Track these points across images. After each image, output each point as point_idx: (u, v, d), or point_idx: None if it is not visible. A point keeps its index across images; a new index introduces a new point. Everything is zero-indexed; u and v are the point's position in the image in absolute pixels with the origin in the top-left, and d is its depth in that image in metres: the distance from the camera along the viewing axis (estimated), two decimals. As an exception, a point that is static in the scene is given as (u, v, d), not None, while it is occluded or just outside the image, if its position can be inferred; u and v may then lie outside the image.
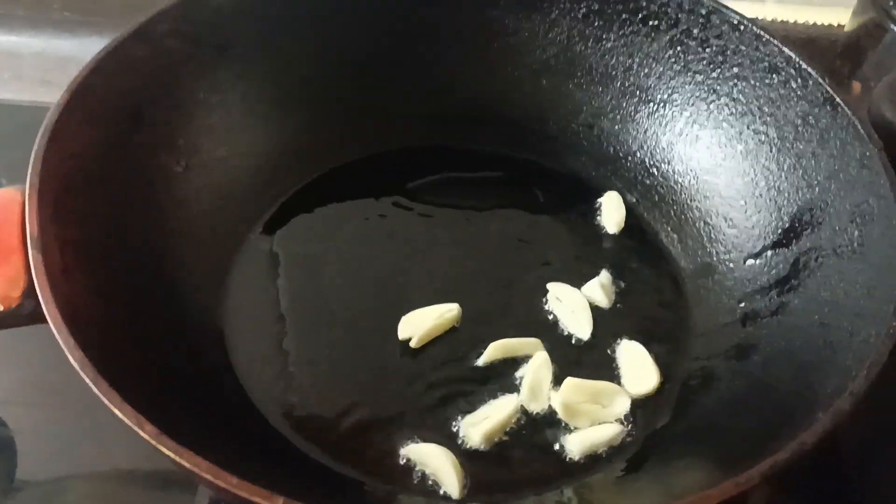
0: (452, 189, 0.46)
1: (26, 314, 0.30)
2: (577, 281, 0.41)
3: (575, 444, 0.35)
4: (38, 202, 0.31)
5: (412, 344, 0.39)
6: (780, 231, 0.39)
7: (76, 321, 0.29)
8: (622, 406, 0.36)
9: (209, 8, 0.41)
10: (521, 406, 0.37)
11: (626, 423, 0.36)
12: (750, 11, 0.59)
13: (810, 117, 0.38)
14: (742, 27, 0.41)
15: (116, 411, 0.26)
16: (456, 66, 0.46)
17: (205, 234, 0.41)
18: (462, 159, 0.47)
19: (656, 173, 0.45)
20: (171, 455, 0.26)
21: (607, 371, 0.38)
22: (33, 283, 0.29)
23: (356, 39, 0.45)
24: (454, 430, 0.36)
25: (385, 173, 0.46)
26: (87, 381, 0.27)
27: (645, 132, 0.45)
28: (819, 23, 0.59)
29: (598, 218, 0.44)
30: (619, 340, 0.39)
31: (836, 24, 0.59)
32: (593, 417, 0.36)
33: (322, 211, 0.44)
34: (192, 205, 0.41)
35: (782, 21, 0.59)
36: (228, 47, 0.42)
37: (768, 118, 0.40)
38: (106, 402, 0.26)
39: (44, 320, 0.29)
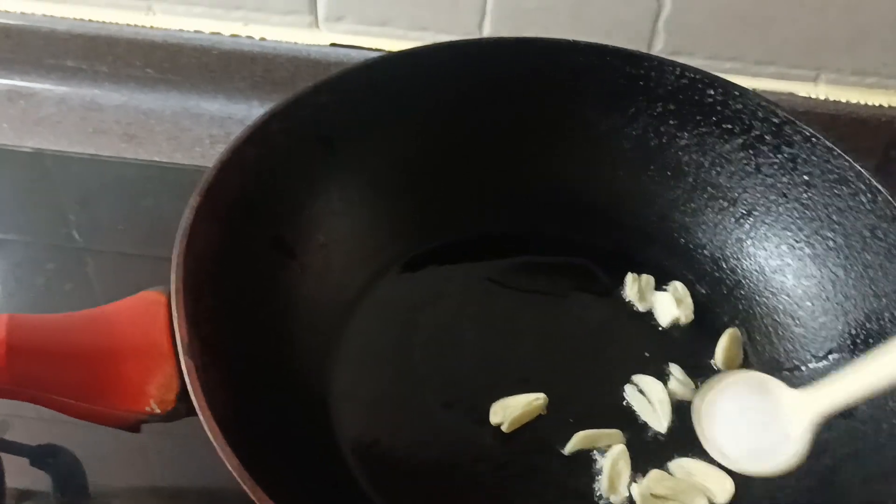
0: (533, 274, 0.49)
1: (182, 415, 0.33)
2: (651, 372, 0.44)
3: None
4: (183, 306, 0.34)
5: (503, 429, 0.42)
6: (846, 335, 0.42)
7: (223, 425, 0.32)
8: (700, 506, 0.39)
9: (314, 105, 0.44)
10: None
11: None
12: (802, 90, 0.62)
13: (878, 231, 0.41)
14: (814, 140, 0.43)
15: (272, 519, 0.29)
16: (537, 156, 0.49)
17: (309, 314, 0.44)
18: (541, 245, 0.50)
19: (725, 267, 0.47)
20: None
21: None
22: (185, 386, 0.32)
23: (444, 134, 0.48)
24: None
25: (468, 257, 0.49)
26: (246, 488, 0.30)
27: (715, 227, 0.48)
28: (872, 103, 0.61)
29: (668, 308, 0.47)
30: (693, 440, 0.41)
31: (887, 105, 0.61)
32: (671, 513, 0.39)
33: (410, 294, 0.47)
34: (298, 288, 0.44)
35: (834, 101, 0.61)
36: (330, 141, 0.45)
37: (836, 226, 0.43)
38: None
39: (195, 414, 0.32)
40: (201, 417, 0.31)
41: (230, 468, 0.30)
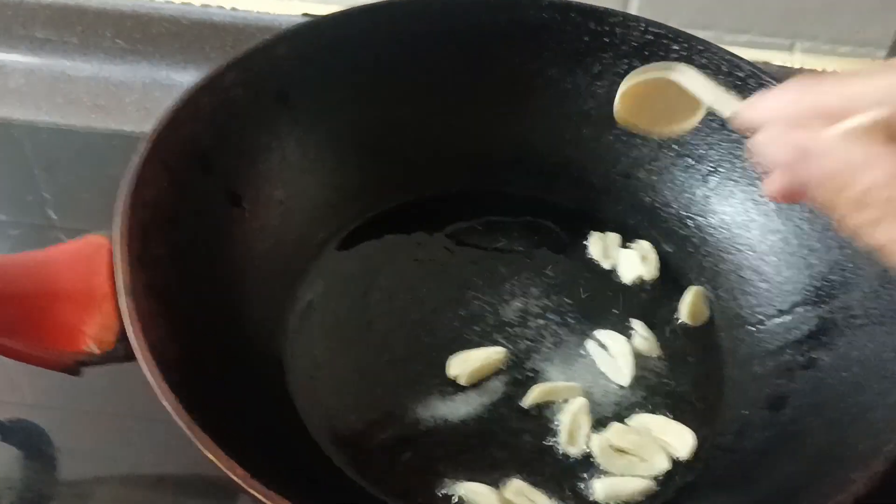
0: (494, 233, 0.48)
1: (121, 356, 0.32)
2: (614, 328, 0.44)
3: (601, 489, 0.38)
4: (126, 250, 0.34)
5: (462, 382, 0.41)
6: (811, 288, 0.41)
7: (164, 366, 0.31)
8: (660, 465, 0.38)
9: (272, 58, 0.44)
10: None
11: (657, 481, 0.38)
12: (777, 59, 0.62)
13: (843, 181, 0.40)
14: (778, 92, 0.43)
15: (209, 455, 0.29)
16: (500, 115, 0.48)
17: (264, 271, 0.43)
18: (503, 204, 0.49)
19: (691, 224, 0.47)
20: (258, 496, 0.28)
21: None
22: (125, 328, 0.32)
23: (404, 92, 0.47)
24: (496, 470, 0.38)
25: (429, 217, 0.48)
26: (182, 424, 0.29)
27: (681, 184, 0.47)
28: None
29: (633, 266, 0.46)
30: (654, 394, 0.41)
31: (862, 74, 0.61)
32: (629, 468, 0.38)
33: (370, 253, 0.47)
34: (253, 244, 0.43)
35: (810, 69, 0.61)
36: (287, 95, 0.45)
37: (801, 179, 0.42)
38: (199, 445, 0.29)
39: (135, 358, 0.32)
40: (139, 356, 0.31)
41: (166, 405, 0.30)
